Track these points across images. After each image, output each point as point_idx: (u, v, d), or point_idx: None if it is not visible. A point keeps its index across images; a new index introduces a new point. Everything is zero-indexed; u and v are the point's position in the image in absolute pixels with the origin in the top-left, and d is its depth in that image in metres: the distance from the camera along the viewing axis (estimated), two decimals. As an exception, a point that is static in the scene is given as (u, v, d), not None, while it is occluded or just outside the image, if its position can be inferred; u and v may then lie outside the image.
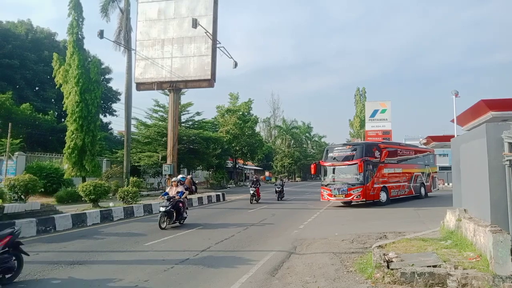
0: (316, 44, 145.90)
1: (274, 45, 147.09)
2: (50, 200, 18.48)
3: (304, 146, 79.50)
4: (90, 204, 15.75)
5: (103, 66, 36.96)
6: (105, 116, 41.02)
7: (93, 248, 9.23)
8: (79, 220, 12.88)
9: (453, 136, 16.20)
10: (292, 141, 75.06)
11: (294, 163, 71.52)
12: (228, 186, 44.02)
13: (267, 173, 57.61)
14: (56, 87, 21.55)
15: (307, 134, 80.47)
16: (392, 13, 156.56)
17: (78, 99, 19.57)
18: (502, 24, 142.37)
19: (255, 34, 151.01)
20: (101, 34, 18.07)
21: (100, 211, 14.11)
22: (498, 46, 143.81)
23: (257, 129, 61.67)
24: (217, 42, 22.22)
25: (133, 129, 31.01)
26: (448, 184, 37.41)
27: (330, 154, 20.83)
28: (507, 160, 6.33)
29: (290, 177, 76.95)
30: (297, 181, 72.85)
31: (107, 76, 40.21)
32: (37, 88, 37.90)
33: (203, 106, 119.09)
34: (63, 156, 20.95)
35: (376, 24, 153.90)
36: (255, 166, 70.46)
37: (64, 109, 21.12)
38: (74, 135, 19.53)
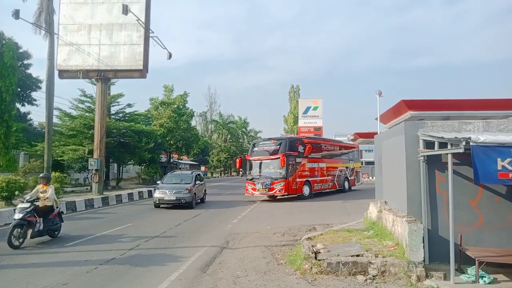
0: (254, 40, 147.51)
1: (212, 38, 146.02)
2: (-47, 199, 16.41)
3: (241, 140, 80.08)
4: (3, 202, 14.26)
5: (21, 51, 33.17)
6: (23, 105, 37.06)
7: (4, 252, 8.31)
8: (-12, 220, 11.59)
9: (377, 133, 17.35)
10: (229, 136, 75.29)
11: (230, 157, 71.73)
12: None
13: (202, 168, 56.91)
14: (-38, 71, 19.15)
15: (243, 129, 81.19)
16: (326, 15, 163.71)
17: (-11, 86, 17.70)
18: (422, 32, 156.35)
19: (193, 27, 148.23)
20: (16, 14, 16.24)
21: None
22: (419, 52, 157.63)
23: (193, 123, 60.53)
24: (150, 31, 21.23)
25: (56, 120, 28.65)
26: (373, 178, 40.19)
27: (255, 149, 20.83)
28: (421, 156, 6.89)
29: (226, 171, 77.06)
30: (233, 175, 73.17)
31: (26, 62, 36.31)
32: None
33: (136, 97, 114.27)
34: (-30, 149, 18.71)
35: (311, 25, 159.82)
36: (190, 160, 69.29)
37: (-29, 96, 18.87)
38: (-16, 126, 17.68)
